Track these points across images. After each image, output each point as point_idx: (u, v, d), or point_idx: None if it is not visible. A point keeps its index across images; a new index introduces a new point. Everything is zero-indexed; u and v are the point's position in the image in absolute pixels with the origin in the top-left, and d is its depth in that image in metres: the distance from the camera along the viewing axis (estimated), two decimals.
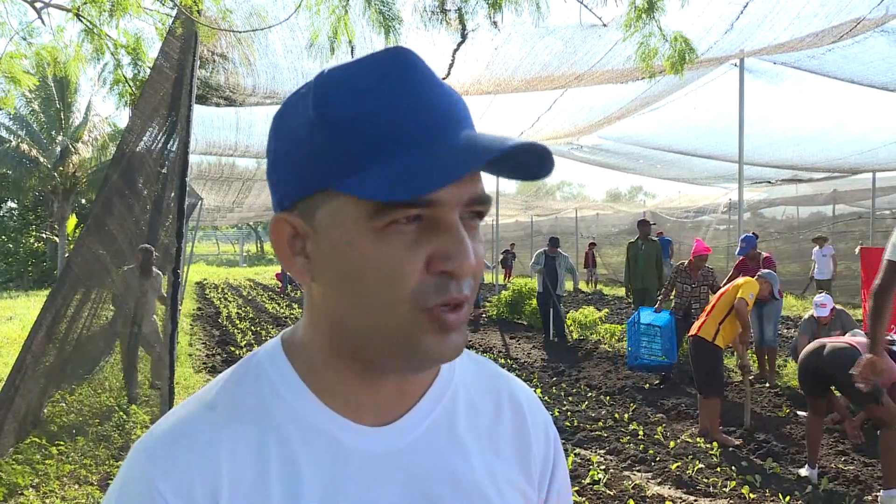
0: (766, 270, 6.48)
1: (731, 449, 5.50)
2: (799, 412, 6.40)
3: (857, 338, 4.78)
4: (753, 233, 8.95)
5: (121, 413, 5.83)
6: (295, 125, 0.60)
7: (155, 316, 6.53)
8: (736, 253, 7.79)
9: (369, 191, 0.55)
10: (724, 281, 7.42)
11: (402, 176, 0.54)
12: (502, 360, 9.51)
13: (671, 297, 8.14)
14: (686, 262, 7.94)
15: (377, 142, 0.56)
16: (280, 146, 0.62)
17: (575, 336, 11.27)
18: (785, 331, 11.25)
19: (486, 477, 0.69)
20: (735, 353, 8.70)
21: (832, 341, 4.62)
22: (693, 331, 5.85)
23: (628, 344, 8.58)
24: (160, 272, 6.17)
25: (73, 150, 24.07)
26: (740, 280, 5.88)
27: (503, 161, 0.57)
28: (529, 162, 0.59)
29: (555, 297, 10.78)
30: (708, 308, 5.89)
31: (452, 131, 0.58)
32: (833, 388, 4.74)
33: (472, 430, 0.71)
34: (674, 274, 8.08)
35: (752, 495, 4.54)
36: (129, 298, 6.06)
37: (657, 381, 7.90)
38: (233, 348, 10.55)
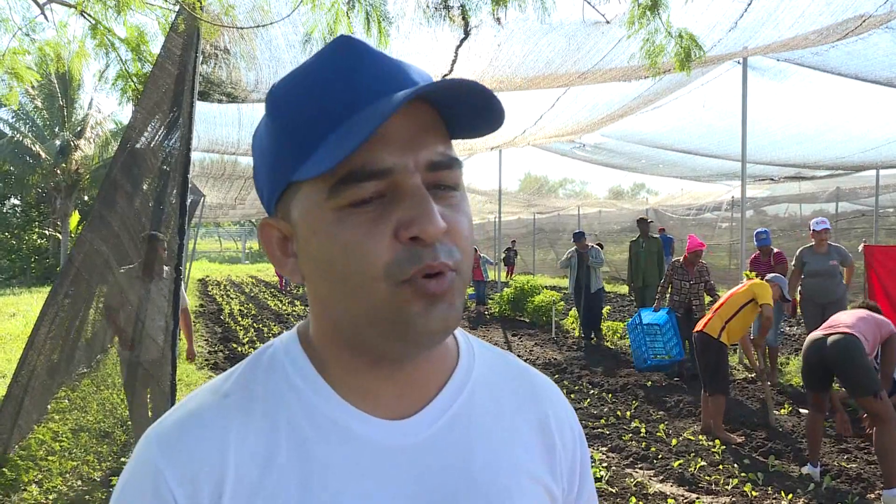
0: (774, 274, 6.48)
1: (733, 446, 5.50)
2: (801, 410, 6.39)
3: (860, 312, 4.80)
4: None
5: (124, 409, 5.83)
6: (260, 135, 0.65)
7: (161, 337, 4.76)
8: (756, 244, 7.84)
9: (313, 168, 0.56)
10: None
11: (337, 144, 0.55)
12: None
13: (667, 295, 8.15)
14: (681, 258, 7.96)
15: (316, 125, 0.58)
16: (256, 158, 0.66)
17: (577, 333, 11.26)
18: (787, 329, 11.24)
19: (507, 473, 0.67)
20: (739, 351, 8.71)
21: (832, 332, 4.58)
22: (699, 327, 5.84)
23: (632, 346, 8.57)
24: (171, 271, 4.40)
25: (75, 146, 24.10)
26: (752, 282, 5.86)
27: (444, 108, 0.59)
28: (476, 108, 0.59)
29: (586, 294, 10.38)
30: (715, 306, 5.88)
31: (390, 95, 0.58)
32: (835, 380, 4.75)
33: (493, 424, 0.69)
34: (670, 271, 8.08)
35: (754, 493, 4.54)
36: (127, 311, 4.79)
37: (675, 378, 7.90)
38: (235, 345, 10.56)
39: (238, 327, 12.77)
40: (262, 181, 0.65)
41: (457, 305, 0.60)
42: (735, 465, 5.07)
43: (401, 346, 0.61)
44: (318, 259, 0.60)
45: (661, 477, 4.92)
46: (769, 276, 6.32)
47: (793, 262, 7.53)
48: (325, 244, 0.58)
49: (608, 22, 5.88)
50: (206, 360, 9.37)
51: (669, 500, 4.44)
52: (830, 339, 4.52)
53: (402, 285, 0.57)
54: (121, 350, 4.93)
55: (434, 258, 0.57)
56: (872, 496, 4.49)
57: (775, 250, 7.92)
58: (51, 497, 4.38)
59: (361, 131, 0.54)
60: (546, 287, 15.73)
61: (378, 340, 0.61)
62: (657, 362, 8.19)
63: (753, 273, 7.36)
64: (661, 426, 6.09)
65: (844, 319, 4.68)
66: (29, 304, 16.51)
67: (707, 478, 4.83)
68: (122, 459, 4.84)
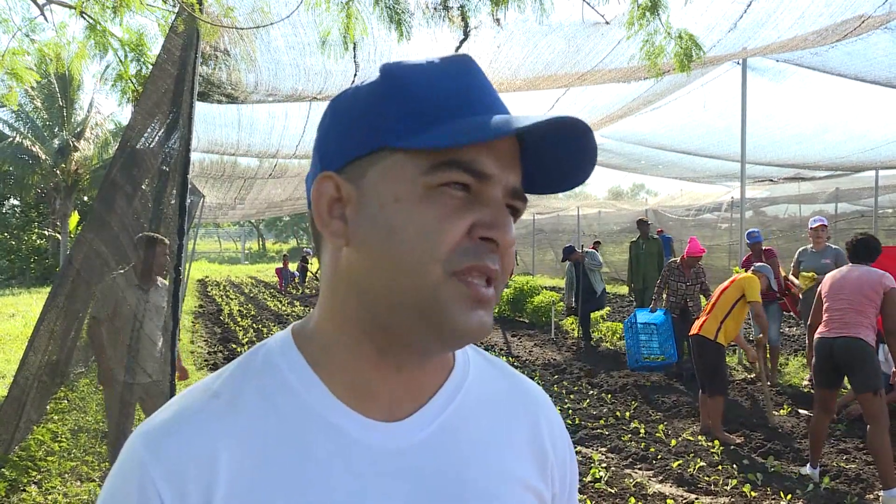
0: (760, 264, 6.50)
1: (732, 447, 5.50)
2: (800, 410, 6.40)
3: (855, 282, 4.59)
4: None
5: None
6: (357, 96, 0.65)
7: (158, 354, 4.30)
8: (748, 242, 7.86)
9: (427, 142, 0.59)
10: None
11: (458, 131, 0.58)
12: (504, 359, 9.51)
13: (664, 295, 8.15)
14: (678, 259, 7.96)
15: (438, 106, 0.61)
16: (337, 115, 0.66)
17: (576, 335, 11.27)
18: (787, 329, 11.24)
19: (499, 478, 0.67)
20: (738, 351, 8.72)
21: (839, 334, 4.53)
22: (695, 329, 5.85)
23: (627, 346, 8.58)
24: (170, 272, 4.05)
25: (75, 147, 24.08)
26: (739, 277, 5.86)
27: (544, 151, 0.64)
28: (570, 154, 0.64)
29: (590, 298, 10.30)
30: (708, 306, 5.88)
31: (499, 112, 0.63)
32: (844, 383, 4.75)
33: (486, 430, 0.70)
34: (666, 272, 8.07)
35: (753, 493, 4.54)
36: (116, 325, 4.19)
37: (674, 378, 7.91)
38: (234, 345, 10.56)
39: (237, 328, 12.76)
40: (339, 136, 0.65)
41: (491, 317, 0.62)
42: (734, 466, 5.07)
43: (427, 338, 0.61)
44: (388, 226, 0.60)
45: (661, 477, 4.92)
46: (755, 265, 6.32)
47: (792, 263, 7.57)
48: (404, 213, 0.59)
49: (608, 23, 5.88)
50: (205, 360, 9.37)
51: (668, 501, 4.44)
52: (839, 342, 4.50)
53: (453, 277, 0.59)
54: (98, 381, 4.37)
55: (493, 262, 0.60)
56: (871, 497, 4.50)
57: (766, 248, 7.94)
58: (50, 497, 4.37)
59: (492, 131, 0.57)
60: (545, 288, 15.73)
61: (409, 326, 0.61)
62: (649, 363, 8.21)
63: (742, 269, 7.38)
64: (661, 427, 6.09)
65: (849, 317, 4.51)
66: (28, 304, 16.50)
67: (706, 478, 4.83)
68: None
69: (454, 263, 0.58)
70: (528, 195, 0.66)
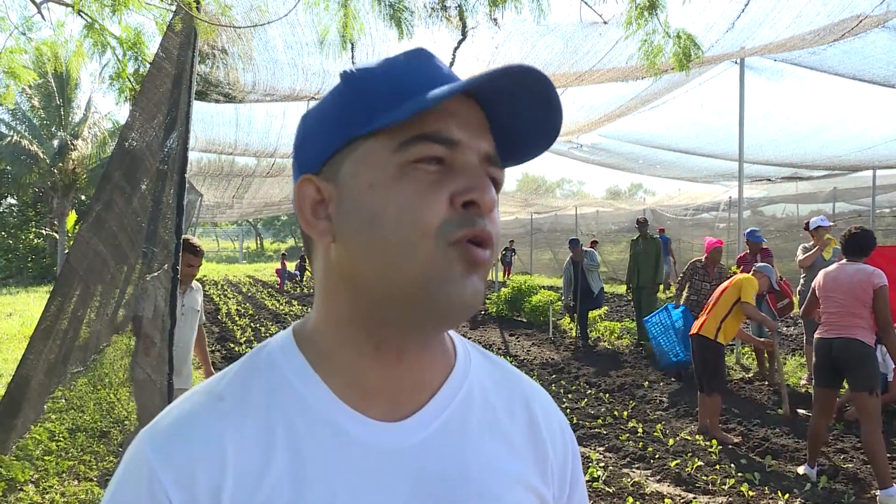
0: (762, 263, 6.49)
1: (730, 446, 5.51)
2: (798, 410, 6.41)
3: (847, 282, 4.57)
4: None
5: (120, 409, 5.83)
6: (322, 103, 0.68)
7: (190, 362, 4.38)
8: (749, 238, 7.85)
9: (388, 117, 0.60)
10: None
11: (415, 104, 0.59)
12: (501, 358, 9.50)
13: (684, 293, 8.09)
14: (703, 258, 7.89)
15: (397, 90, 0.62)
16: (308, 125, 0.69)
17: (574, 334, 11.27)
18: (785, 329, 11.26)
19: (500, 478, 0.67)
20: (735, 351, 8.73)
21: (837, 335, 4.55)
22: (694, 329, 5.86)
23: (656, 344, 8.13)
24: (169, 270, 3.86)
25: (72, 146, 24.03)
26: (738, 277, 5.87)
27: (509, 113, 0.64)
28: (534, 107, 0.64)
29: (587, 298, 10.39)
30: (708, 306, 5.89)
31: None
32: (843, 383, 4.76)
33: (487, 430, 0.70)
34: (689, 271, 8.00)
35: (751, 493, 4.55)
36: (153, 329, 4.07)
37: (673, 378, 7.88)
38: (232, 345, 10.55)
39: (235, 327, 12.75)
40: (315, 140, 0.66)
41: (484, 284, 0.63)
42: (732, 465, 5.07)
43: (423, 315, 0.61)
44: (367, 213, 0.61)
45: (658, 477, 4.93)
46: (757, 265, 6.32)
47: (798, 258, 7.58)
48: (381, 197, 0.60)
49: (605, 23, 5.88)
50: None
51: (666, 500, 4.45)
52: (837, 342, 4.51)
53: (448, 247, 0.59)
54: (142, 360, 4.23)
55: (483, 226, 0.61)
56: (868, 496, 4.51)
57: (763, 247, 7.94)
58: (47, 497, 4.37)
59: (441, 94, 0.58)
60: (543, 287, 15.74)
61: (403, 306, 0.61)
62: (675, 360, 7.91)
63: (739, 268, 7.40)
64: (658, 426, 6.10)
65: (845, 320, 4.53)
66: (26, 303, 16.48)
67: (704, 478, 4.84)
68: (119, 459, 4.82)
69: (446, 235, 0.59)
70: (510, 169, 0.68)
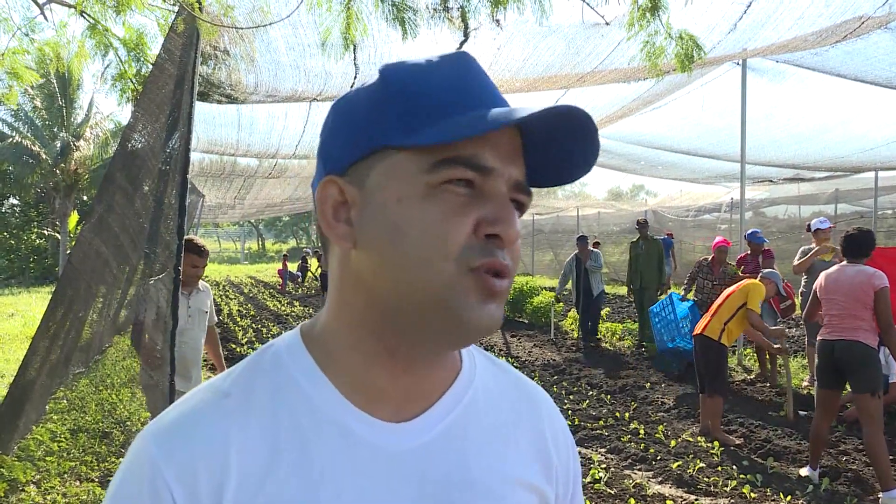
0: (768, 270, 6.50)
1: (732, 448, 5.50)
2: (800, 411, 6.40)
3: (848, 283, 4.56)
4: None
5: (122, 409, 5.83)
6: (357, 98, 0.65)
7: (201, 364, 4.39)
8: (752, 239, 7.86)
9: (425, 139, 0.59)
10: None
11: (455, 126, 0.58)
12: (503, 359, 9.50)
13: (692, 291, 8.21)
14: (710, 257, 8.05)
15: (436, 104, 0.61)
16: (338, 119, 0.66)
17: (575, 335, 11.27)
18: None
19: (504, 480, 0.68)
20: (737, 353, 8.72)
21: (839, 337, 4.54)
22: (698, 330, 5.85)
23: (657, 331, 8.53)
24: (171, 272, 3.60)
25: (75, 146, 24.06)
26: (746, 282, 5.86)
27: (546, 143, 0.64)
28: (572, 144, 0.64)
29: (587, 299, 10.48)
30: (713, 308, 5.89)
31: (504, 102, 0.64)
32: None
33: (491, 433, 0.70)
34: (696, 269, 8.17)
35: (752, 494, 4.54)
36: (156, 332, 3.99)
37: (674, 379, 7.90)
38: (233, 345, 10.55)
39: (237, 328, 12.75)
40: (341, 139, 0.65)
41: (501, 311, 0.62)
42: (734, 467, 5.07)
43: (438, 334, 0.61)
44: (392, 226, 0.60)
45: (660, 478, 4.92)
46: (764, 271, 6.33)
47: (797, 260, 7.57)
48: (407, 213, 0.59)
49: (608, 24, 5.88)
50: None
51: (668, 502, 4.44)
52: (840, 344, 4.50)
53: (467, 273, 0.59)
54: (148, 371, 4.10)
55: (503, 258, 0.60)
56: (871, 498, 4.50)
57: (764, 248, 7.95)
58: (49, 497, 4.37)
59: (489, 123, 0.58)
60: (545, 288, 15.74)
61: (420, 323, 0.61)
62: (681, 344, 8.08)
63: (740, 268, 7.41)
64: (660, 427, 6.09)
65: (846, 322, 4.53)
66: (27, 304, 16.50)
67: (706, 479, 4.83)
68: (121, 460, 4.83)
69: (467, 261, 0.59)
70: (532, 189, 0.66)
